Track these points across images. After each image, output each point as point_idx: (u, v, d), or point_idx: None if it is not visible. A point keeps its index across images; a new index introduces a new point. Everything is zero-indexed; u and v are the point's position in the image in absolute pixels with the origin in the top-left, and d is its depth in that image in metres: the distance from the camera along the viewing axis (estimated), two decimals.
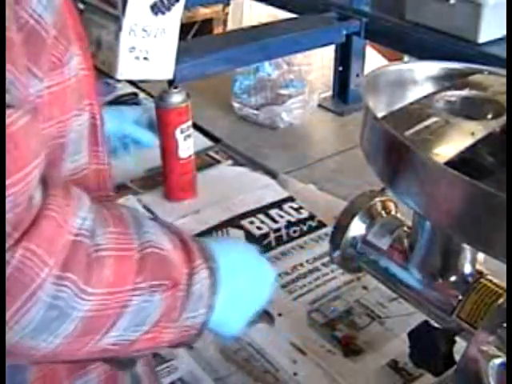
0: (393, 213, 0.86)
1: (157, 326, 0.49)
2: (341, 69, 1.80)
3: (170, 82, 1.20)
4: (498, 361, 0.65)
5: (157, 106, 1.29)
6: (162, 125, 1.29)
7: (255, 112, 1.73)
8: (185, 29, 1.32)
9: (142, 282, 0.47)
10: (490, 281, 0.75)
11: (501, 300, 0.71)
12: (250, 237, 1.28)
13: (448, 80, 0.81)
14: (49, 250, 0.41)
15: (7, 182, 0.38)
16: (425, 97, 0.76)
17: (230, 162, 1.56)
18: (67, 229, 0.42)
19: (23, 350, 0.43)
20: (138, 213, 0.53)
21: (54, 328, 0.43)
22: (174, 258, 0.50)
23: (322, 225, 1.32)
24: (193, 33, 2.94)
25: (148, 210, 1.35)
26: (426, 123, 0.69)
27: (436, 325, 0.78)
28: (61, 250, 0.41)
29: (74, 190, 0.45)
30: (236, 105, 1.75)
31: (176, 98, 1.29)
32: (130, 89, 1.81)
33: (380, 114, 0.70)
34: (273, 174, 1.49)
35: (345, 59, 1.79)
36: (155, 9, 1.05)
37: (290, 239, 1.28)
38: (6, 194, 0.38)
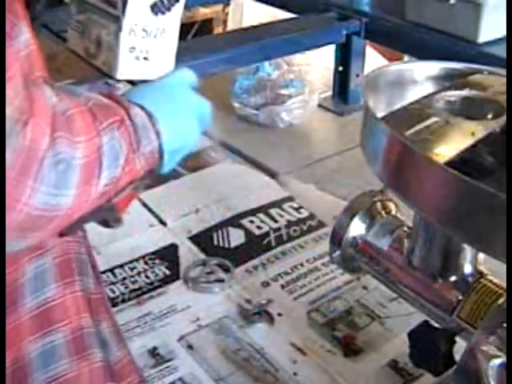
0: (393, 213, 0.86)
1: (127, 159, 0.59)
2: (341, 69, 1.80)
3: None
4: (497, 361, 0.65)
5: None
6: None
7: (255, 112, 1.73)
8: (185, 29, 1.32)
9: (100, 124, 0.56)
10: (490, 281, 0.75)
11: (501, 300, 0.71)
12: (250, 236, 1.28)
13: (448, 80, 0.81)
14: (45, 121, 0.51)
15: (8, 75, 0.49)
16: (425, 97, 0.76)
17: (229, 161, 1.56)
18: (49, 103, 0.53)
19: (48, 211, 0.52)
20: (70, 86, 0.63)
21: (64, 182, 0.52)
22: (111, 103, 0.61)
23: (321, 225, 1.32)
24: (193, 33, 2.94)
25: (148, 209, 1.36)
26: (426, 123, 0.69)
27: (436, 325, 0.78)
28: (49, 119, 0.52)
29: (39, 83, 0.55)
30: (236, 105, 1.75)
31: None
32: None
33: (380, 114, 0.70)
34: (273, 174, 1.49)
35: (345, 59, 1.79)
36: (155, 9, 1.05)
37: (290, 239, 1.28)
38: (9, 86, 0.49)
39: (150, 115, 0.63)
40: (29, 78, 0.55)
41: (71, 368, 0.66)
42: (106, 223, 0.72)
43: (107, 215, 0.69)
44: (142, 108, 0.63)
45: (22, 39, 0.57)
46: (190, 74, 0.79)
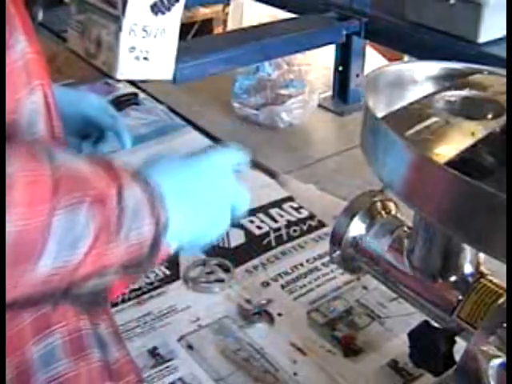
0: (393, 213, 0.86)
1: (95, 246, 0.49)
2: (341, 69, 1.80)
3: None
4: (497, 361, 0.65)
5: None
6: None
7: (255, 112, 1.73)
8: (185, 29, 1.32)
9: (59, 200, 0.47)
10: (490, 281, 0.75)
11: (501, 300, 0.72)
12: (250, 236, 1.28)
13: (448, 80, 0.81)
14: None
15: None
16: (425, 97, 0.76)
17: None
18: None
19: None
20: (52, 148, 0.53)
21: None
22: (94, 178, 0.50)
23: (321, 225, 1.32)
24: (193, 33, 2.94)
25: None
26: (426, 123, 0.69)
27: (436, 325, 0.78)
28: None
29: None
30: (236, 105, 1.75)
31: None
32: (130, 89, 1.81)
33: (380, 114, 0.70)
34: (273, 174, 1.49)
35: (345, 59, 1.78)
36: (155, 9, 1.05)
37: (290, 239, 1.28)
38: None
39: (155, 198, 0.53)
40: None
41: (70, 368, 0.67)
42: (90, 303, 0.66)
43: (88, 297, 0.59)
44: (148, 186, 0.54)
45: (19, 48, 0.56)
46: (240, 155, 0.66)
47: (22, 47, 0.56)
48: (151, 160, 0.60)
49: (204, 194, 0.61)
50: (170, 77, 1.10)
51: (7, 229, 0.44)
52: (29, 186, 0.46)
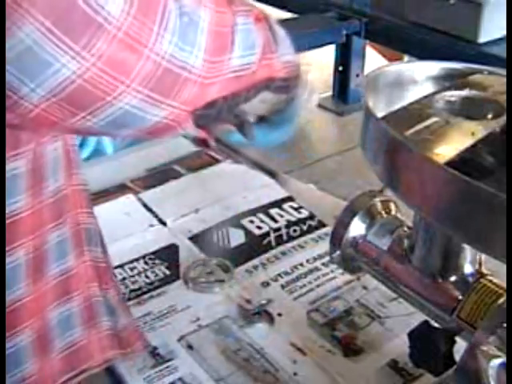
0: (393, 213, 0.86)
1: (264, 52, 0.57)
2: (341, 69, 1.80)
3: None
4: (497, 361, 0.65)
5: None
6: None
7: None
8: None
9: (236, 7, 0.54)
10: (490, 281, 0.75)
11: (501, 300, 0.71)
12: (250, 236, 1.28)
13: (448, 80, 0.81)
14: None
15: None
16: (425, 97, 0.76)
17: (229, 161, 1.56)
18: None
19: (177, 66, 0.48)
20: None
21: (191, 37, 0.48)
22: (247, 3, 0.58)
23: (321, 225, 1.32)
24: None
25: (148, 209, 1.36)
26: (426, 123, 0.69)
27: (436, 325, 0.78)
28: None
29: None
30: None
31: None
32: None
33: (380, 114, 0.70)
34: (273, 174, 1.49)
35: (345, 59, 1.78)
36: None
37: (290, 239, 1.28)
38: None
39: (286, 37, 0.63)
40: None
41: (83, 336, 0.68)
42: (241, 129, 0.70)
43: (244, 118, 0.67)
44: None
45: None
46: None
47: None
48: None
49: None
50: None
51: (205, 15, 0.49)
52: None
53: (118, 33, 0.44)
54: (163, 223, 1.32)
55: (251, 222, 1.32)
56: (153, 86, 0.48)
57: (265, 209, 1.37)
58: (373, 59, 1.94)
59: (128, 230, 1.27)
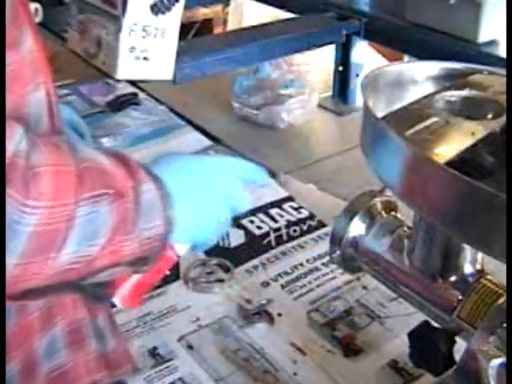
0: (393, 213, 0.86)
1: (113, 239, 0.51)
2: (341, 69, 1.80)
3: None
4: (497, 361, 0.65)
5: None
6: None
7: (255, 112, 1.72)
8: (185, 29, 1.32)
9: (84, 193, 0.48)
10: (490, 281, 0.75)
11: (501, 300, 0.71)
12: (250, 236, 1.28)
13: (448, 80, 0.81)
14: None
15: None
16: (425, 97, 0.76)
17: None
18: (10, 148, 0.45)
19: None
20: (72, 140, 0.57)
21: (9, 246, 0.45)
22: (114, 172, 0.52)
23: (321, 225, 1.32)
24: (193, 33, 2.94)
25: None
26: (426, 123, 0.69)
27: (436, 325, 0.78)
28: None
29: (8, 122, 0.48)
30: (236, 105, 1.75)
31: None
32: (130, 89, 1.81)
33: (380, 114, 0.70)
34: (272, 174, 1.49)
35: (345, 59, 1.79)
36: (155, 9, 1.05)
37: (290, 239, 1.28)
38: None
39: (165, 196, 0.55)
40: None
41: (69, 358, 0.68)
42: (94, 296, 0.67)
43: (93, 290, 0.62)
44: (160, 184, 0.55)
45: (26, 46, 0.57)
46: (254, 170, 0.68)
47: (29, 45, 0.58)
48: (160, 157, 0.61)
49: (208, 194, 0.62)
50: (170, 77, 1.11)
51: (28, 219, 0.45)
52: (55, 178, 0.47)
53: None
54: None
55: (251, 221, 1.32)
56: None
57: (265, 209, 1.37)
58: (373, 59, 1.94)
59: None
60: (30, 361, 0.64)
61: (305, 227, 1.31)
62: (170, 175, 0.57)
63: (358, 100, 1.76)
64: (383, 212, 0.85)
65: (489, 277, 0.75)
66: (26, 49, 0.57)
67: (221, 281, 1.17)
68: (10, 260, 0.46)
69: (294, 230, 1.30)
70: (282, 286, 1.15)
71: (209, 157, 0.66)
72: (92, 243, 0.50)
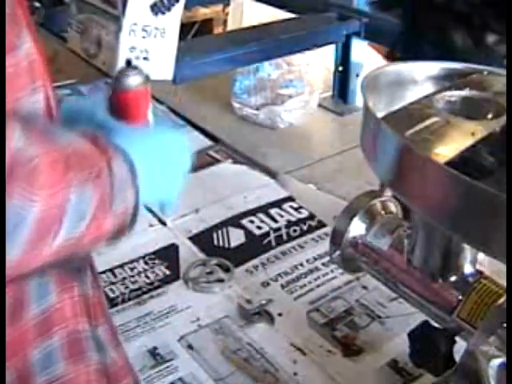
0: (393, 213, 0.86)
1: (96, 216, 0.54)
2: (341, 69, 1.80)
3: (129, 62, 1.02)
4: (497, 361, 0.65)
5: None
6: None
7: (255, 112, 1.73)
8: (185, 29, 1.32)
9: (73, 177, 0.52)
10: (490, 281, 0.75)
11: (501, 300, 0.71)
12: (250, 236, 1.28)
13: (448, 80, 0.81)
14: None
15: None
16: (425, 97, 0.76)
17: (229, 161, 1.56)
18: (12, 146, 0.48)
19: None
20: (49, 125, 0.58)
21: (15, 237, 0.48)
22: (91, 152, 0.55)
23: (321, 225, 1.32)
24: (193, 33, 2.94)
25: (148, 209, 1.35)
26: (426, 123, 0.69)
27: (436, 325, 0.78)
28: (9, 168, 0.47)
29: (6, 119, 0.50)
30: (236, 105, 1.75)
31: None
32: None
33: (380, 114, 0.70)
34: (272, 174, 1.49)
35: (345, 59, 1.79)
36: (155, 9, 1.05)
37: (290, 239, 1.28)
38: None
39: (132, 168, 0.58)
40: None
41: (68, 370, 0.67)
42: (73, 268, 0.69)
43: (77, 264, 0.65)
44: (127, 157, 0.58)
45: (24, 49, 0.57)
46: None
47: (27, 48, 0.57)
48: (121, 127, 0.64)
49: (165, 162, 0.66)
50: (170, 77, 1.10)
51: (35, 209, 0.48)
52: (50, 166, 0.50)
53: None
54: (163, 223, 1.33)
55: (251, 221, 1.32)
56: None
57: (265, 209, 1.37)
58: (373, 59, 1.94)
59: None
60: (24, 372, 0.64)
61: (305, 227, 1.31)
62: (129, 147, 0.60)
63: (358, 100, 1.76)
64: (383, 212, 0.85)
65: (489, 277, 0.75)
66: (23, 52, 0.57)
67: (221, 281, 1.17)
68: (15, 251, 0.48)
69: (294, 230, 1.30)
70: (282, 286, 1.15)
71: (161, 131, 0.70)
72: (79, 224, 0.53)
